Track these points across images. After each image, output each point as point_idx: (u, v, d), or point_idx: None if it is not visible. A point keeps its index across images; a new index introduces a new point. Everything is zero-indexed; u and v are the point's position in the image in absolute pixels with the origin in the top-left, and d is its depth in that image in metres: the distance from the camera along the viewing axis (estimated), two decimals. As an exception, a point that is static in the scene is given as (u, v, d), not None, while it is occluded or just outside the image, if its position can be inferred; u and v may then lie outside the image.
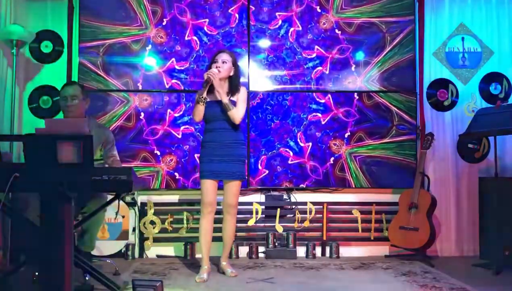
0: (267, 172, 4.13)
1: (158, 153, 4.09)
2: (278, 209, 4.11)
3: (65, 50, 4.13)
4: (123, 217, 3.99)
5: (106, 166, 3.18)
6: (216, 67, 3.23)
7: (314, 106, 4.17)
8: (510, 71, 4.30)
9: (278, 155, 4.15)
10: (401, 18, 4.21)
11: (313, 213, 4.11)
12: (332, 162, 4.15)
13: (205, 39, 4.15)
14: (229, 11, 4.18)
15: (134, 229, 4.04)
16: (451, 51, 4.31)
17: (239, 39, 4.17)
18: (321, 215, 4.12)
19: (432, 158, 4.22)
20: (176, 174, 4.08)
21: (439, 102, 4.27)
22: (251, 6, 4.17)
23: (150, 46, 4.12)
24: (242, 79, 4.08)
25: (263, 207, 4.14)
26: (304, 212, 4.11)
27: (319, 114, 4.17)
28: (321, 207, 4.12)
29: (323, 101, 4.17)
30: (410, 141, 4.18)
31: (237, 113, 3.24)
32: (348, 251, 4.12)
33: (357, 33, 4.20)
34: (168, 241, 4.08)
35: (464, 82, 4.30)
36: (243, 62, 4.10)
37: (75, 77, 4.08)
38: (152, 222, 4.03)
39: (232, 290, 3.01)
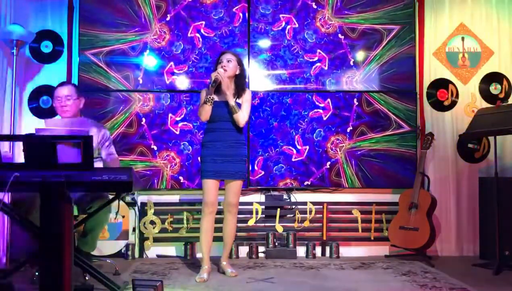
0: (262, 173, 4.13)
1: (155, 148, 4.09)
2: (278, 209, 4.11)
3: (65, 50, 4.13)
4: (123, 217, 3.99)
5: (103, 162, 3.19)
6: (222, 67, 3.24)
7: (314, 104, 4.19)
8: (510, 71, 4.30)
9: (282, 153, 4.15)
10: (403, 24, 4.23)
11: (313, 213, 4.11)
12: (328, 166, 4.15)
13: (207, 34, 4.16)
14: (233, 10, 4.19)
15: (134, 229, 4.04)
16: (451, 51, 4.31)
17: (242, 38, 4.18)
18: (321, 215, 4.12)
19: (432, 158, 4.22)
20: (180, 177, 4.09)
21: (439, 102, 4.27)
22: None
23: (147, 51, 4.12)
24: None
25: (263, 207, 4.14)
26: (304, 212, 4.11)
27: (320, 111, 4.18)
28: (321, 207, 4.12)
29: (322, 105, 4.17)
30: (411, 132, 4.19)
31: (243, 116, 3.28)
32: (348, 251, 4.13)
33: (359, 38, 4.21)
34: (168, 241, 4.08)
35: (464, 82, 4.30)
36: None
37: (75, 77, 4.08)
38: (152, 222, 4.03)
39: (232, 290, 3.01)
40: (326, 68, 4.20)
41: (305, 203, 4.11)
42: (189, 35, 4.15)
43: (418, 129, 4.21)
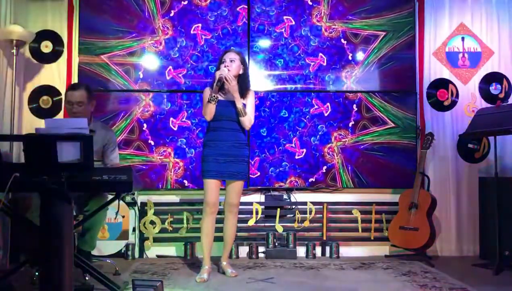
0: (258, 173, 4.13)
1: (152, 143, 4.09)
2: (278, 209, 4.11)
3: (65, 50, 4.13)
4: (123, 217, 3.99)
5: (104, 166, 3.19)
6: (225, 66, 3.23)
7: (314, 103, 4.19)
8: (510, 71, 4.30)
9: (285, 151, 4.15)
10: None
11: (313, 213, 4.11)
12: (324, 171, 4.15)
13: (209, 36, 4.18)
14: (237, 9, 4.20)
15: (134, 229, 4.04)
16: (451, 51, 4.31)
17: (244, 38, 4.19)
18: (321, 215, 4.12)
19: (432, 158, 4.22)
20: (185, 181, 4.09)
21: (439, 102, 4.28)
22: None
23: (145, 57, 4.13)
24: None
25: (263, 207, 4.14)
26: (304, 212, 4.11)
27: (321, 108, 4.19)
28: (321, 207, 4.12)
29: (321, 109, 4.17)
30: (411, 120, 4.20)
31: (249, 120, 3.29)
32: (348, 251, 4.12)
33: (361, 42, 4.22)
34: (168, 241, 4.08)
35: (464, 82, 4.30)
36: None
37: (75, 78, 4.08)
38: (152, 222, 4.03)
39: (232, 290, 3.01)
40: (325, 64, 4.20)
41: (305, 203, 4.11)
42: (192, 32, 4.16)
43: (418, 129, 4.21)
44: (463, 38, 4.32)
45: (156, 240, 4.04)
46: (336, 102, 4.18)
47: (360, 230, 4.14)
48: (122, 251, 3.96)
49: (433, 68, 4.29)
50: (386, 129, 4.18)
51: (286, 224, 4.12)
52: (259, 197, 4.18)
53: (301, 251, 4.05)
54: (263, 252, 4.03)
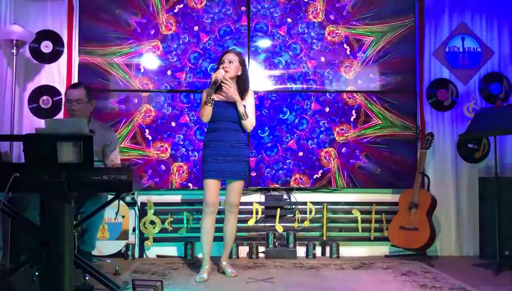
0: (254, 174, 4.13)
1: (150, 137, 4.10)
2: (278, 209, 4.11)
3: (65, 50, 4.13)
4: (123, 217, 3.99)
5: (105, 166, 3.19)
6: (223, 68, 3.24)
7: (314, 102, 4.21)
8: (510, 71, 4.30)
9: (288, 149, 4.15)
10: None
11: (313, 213, 4.11)
12: (319, 175, 4.16)
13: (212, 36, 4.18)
14: (242, 8, 4.20)
15: (134, 229, 4.04)
16: (451, 51, 4.31)
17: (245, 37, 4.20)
18: (321, 215, 4.12)
19: (432, 158, 4.22)
20: (190, 184, 4.10)
21: (439, 102, 4.28)
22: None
23: (143, 62, 4.13)
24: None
25: (263, 207, 4.14)
26: (304, 212, 4.11)
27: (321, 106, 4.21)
28: (321, 207, 4.12)
29: (320, 109, 4.18)
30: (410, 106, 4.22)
31: (251, 122, 3.31)
32: (348, 251, 4.12)
33: (361, 46, 4.22)
34: (168, 241, 4.08)
35: (464, 82, 4.30)
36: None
37: (75, 78, 4.08)
38: (152, 222, 4.03)
39: (232, 290, 3.01)
40: (323, 60, 4.21)
41: (305, 203, 4.11)
42: (195, 29, 4.16)
43: (418, 129, 4.21)
44: (463, 38, 4.32)
45: (156, 240, 4.04)
46: (336, 107, 4.18)
47: (360, 230, 4.14)
48: (122, 251, 3.96)
49: (433, 68, 4.30)
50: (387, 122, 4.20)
51: (286, 224, 4.11)
52: (259, 197, 4.18)
53: (301, 251, 4.05)
54: (263, 252, 4.03)
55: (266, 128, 4.16)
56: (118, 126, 4.06)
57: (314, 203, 4.11)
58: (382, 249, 4.16)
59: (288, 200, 4.17)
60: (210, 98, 3.19)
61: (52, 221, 2.21)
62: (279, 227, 4.09)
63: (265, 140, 4.15)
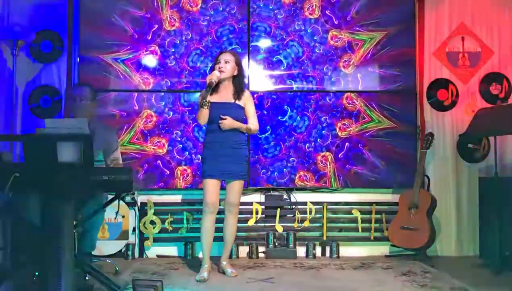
0: (261, 174, 4.14)
1: (136, 107, 4.10)
2: (278, 209, 4.11)
3: (65, 50, 4.13)
4: (123, 217, 3.99)
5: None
6: (219, 68, 3.24)
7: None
8: (510, 71, 4.30)
9: (291, 147, 4.14)
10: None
11: (313, 213, 4.11)
12: (314, 181, 4.16)
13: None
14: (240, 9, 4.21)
15: (134, 229, 4.04)
16: (451, 51, 4.31)
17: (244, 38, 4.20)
18: (321, 215, 4.12)
19: (432, 158, 4.22)
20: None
21: (439, 102, 4.27)
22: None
23: (141, 69, 4.13)
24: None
25: (263, 207, 4.14)
26: (304, 212, 4.11)
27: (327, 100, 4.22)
28: (321, 207, 4.12)
29: (322, 117, 4.17)
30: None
31: (255, 128, 3.36)
32: (348, 251, 4.12)
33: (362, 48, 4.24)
34: (168, 241, 4.08)
35: (464, 82, 4.30)
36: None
37: (75, 78, 4.08)
38: (152, 222, 4.03)
39: (232, 290, 3.01)
40: (321, 51, 4.21)
41: (305, 203, 4.11)
42: (200, 23, 4.17)
43: (418, 129, 4.20)
44: (463, 38, 4.32)
45: (156, 240, 4.04)
46: (335, 111, 4.18)
47: (360, 230, 4.14)
48: (122, 251, 3.96)
49: (433, 68, 4.29)
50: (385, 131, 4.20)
51: (286, 224, 4.11)
52: (259, 197, 4.18)
53: (301, 251, 4.05)
54: (263, 252, 4.03)
55: (268, 127, 4.15)
56: (120, 133, 4.04)
57: (314, 203, 4.11)
58: (382, 249, 4.16)
59: (288, 200, 4.17)
60: (205, 101, 3.19)
61: (52, 221, 2.21)
62: (279, 227, 4.09)
63: (269, 139, 4.14)
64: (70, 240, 2.25)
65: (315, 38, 4.20)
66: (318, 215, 4.12)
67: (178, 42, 4.15)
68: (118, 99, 4.10)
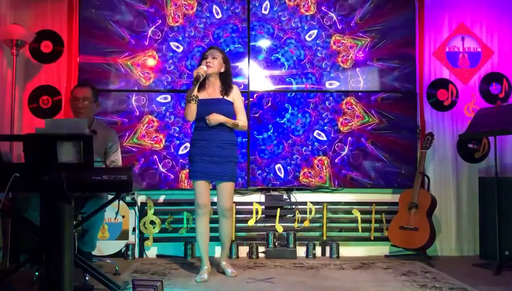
0: (264, 174, 4.14)
1: (137, 113, 4.11)
2: (278, 209, 4.11)
3: (65, 50, 4.13)
4: (123, 217, 3.99)
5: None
6: (206, 63, 3.21)
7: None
8: (510, 71, 4.30)
9: (294, 145, 4.14)
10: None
11: (313, 213, 4.11)
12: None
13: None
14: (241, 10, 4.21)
15: (134, 229, 4.04)
16: (451, 51, 4.31)
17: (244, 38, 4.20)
18: (321, 215, 4.12)
19: (432, 158, 4.22)
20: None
21: (439, 102, 4.28)
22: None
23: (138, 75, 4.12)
24: (241, 80, 4.12)
25: (263, 207, 4.14)
26: (304, 212, 4.11)
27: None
28: (321, 207, 4.12)
29: (322, 124, 4.18)
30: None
31: (243, 125, 3.31)
32: (348, 251, 4.12)
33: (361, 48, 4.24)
34: (168, 241, 4.08)
35: (464, 82, 4.30)
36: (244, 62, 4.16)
37: (75, 78, 4.08)
38: (152, 222, 4.03)
39: (232, 290, 3.01)
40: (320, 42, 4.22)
41: (305, 203, 4.11)
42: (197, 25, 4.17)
43: (418, 129, 4.20)
44: (463, 38, 4.32)
45: (156, 240, 4.04)
46: (335, 115, 4.18)
47: (360, 230, 4.14)
48: (122, 251, 3.96)
49: (433, 68, 4.30)
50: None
51: (286, 224, 4.11)
52: (259, 197, 4.18)
53: (301, 251, 4.05)
54: (263, 252, 4.03)
55: (270, 125, 4.15)
56: (122, 140, 4.03)
57: (314, 203, 4.11)
58: (382, 249, 4.16)
59: (288, 200, 4.17)
60: (193, 95, 3.15)
61: (52, 221, 2.21)
62: (279, 227, 4.09)
63: (272, 138, 4.15)
64: (70, 240, 2.25)
65: (317, 42, 4.20)
66: (318, 215, 4.12)
67: (181, 38, 4.14)
68: (118, 107, 4.08)
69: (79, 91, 3.21)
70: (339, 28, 4.21)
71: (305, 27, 4.20)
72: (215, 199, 3.39)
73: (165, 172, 4.08)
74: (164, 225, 4.04)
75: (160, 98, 4.13)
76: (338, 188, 4.19)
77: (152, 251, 4.05)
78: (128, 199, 4.00)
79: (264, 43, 4.19)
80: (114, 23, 4.10)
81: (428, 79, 4.28)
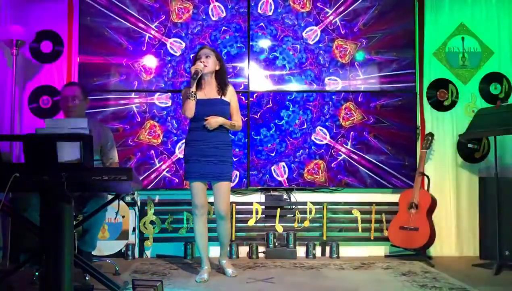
0: (286, 171, 4.14)
1: (139, 119, 4.09)
2: (278, 209, 4.11)
3: (65, 50, 4.13)
4: (123, 217, 3.99)
5: (103, 165, 3.19)
6: (201, 62, 3.21)
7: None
8: (510, 71, 4.30)
9: (300, 141, 4.14)
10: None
11: (313, 213, 4.11)
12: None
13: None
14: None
15: (134, 229, 4.04)
16: (451, 51, 4.31)
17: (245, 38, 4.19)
18: (321, 215, 4.12)
19: (432, 158, 4.22)
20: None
21: (439, 102, 4.28)
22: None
23: (136, 83, 4.11)
24: (242, 80, 4.12)
25: (263, 207, 4.14)
26: (304, 212, 4.11)
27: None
28: (321, 207, 4.12)
29: (322, 133, 4.18)
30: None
31: (239, 125, 3.34)
32: (348, 251, 4.12)
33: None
34: (168, 241, 4.08)
35: (464, 82, 4.30)
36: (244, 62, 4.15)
37: (75, 78, 4.08)
38: (152, 222, 4.03)
39: (232, 290, 3.01)
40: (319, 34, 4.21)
41: (305, 203, 4.11)
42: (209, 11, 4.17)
43: (418, 129, 4.20)
44: (463, 38, 4.32)
45: (156, 240, 4.04)
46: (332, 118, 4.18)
47: (360, 230, 4.14)
48: (122, 251, 3.96)
49: (433, 68, 4.29)
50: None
51: (286, 224, 4.11)
52: (259, 197, 4.18)
53: (301, 251, 4.05)
54: (263, 252, 4.03)
55: (272, 124, 4.14)
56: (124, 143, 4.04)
57: (314, 203, 4.11)
58: (382, 249, 4.16)
59: (288, 200, 4.17)
60: (192, 92, 3.14)
61: (52, 221, 2.21)
62: (279, 227, 4.09)
63: (274, 137, 4.14)
64: (70, 240, 2.25)
65: (320, 45, 4.19)
66: (318, 215, 4.12)
67: (183, 35, 4.13)
68: (119, 113, 4.08)
69: (68, 90, 3.22)
70: (342, 33, 4.20)
71: (302, 24, 4.19)
72: (211, 199, 3.39)
73: (170, 177, 4.08)
74: (164, 225, 4.04)
75: (160, 103, 4.11)
76: (338, 188, 4.19)
77: (152, 251, 4.05)
78: (128, 199, 4.00)
79: (265, 43, 4.19)
80: (112, 29, 4.10)
81: (428, 79, 4.28)
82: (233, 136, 3.98)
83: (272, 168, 4.13)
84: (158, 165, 4.07)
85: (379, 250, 4.16)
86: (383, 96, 4.17)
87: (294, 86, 4.17)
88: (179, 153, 4.07)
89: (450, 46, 4.31)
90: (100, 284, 2.74)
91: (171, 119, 4.11)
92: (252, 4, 4.16)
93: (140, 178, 3.97)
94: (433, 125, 4.24)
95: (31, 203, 2.88)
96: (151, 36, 4.11)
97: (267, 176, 4.12)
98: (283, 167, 4.13)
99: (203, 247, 3.30)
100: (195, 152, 3.22)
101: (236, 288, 3.05)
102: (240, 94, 4.04)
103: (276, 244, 4.01)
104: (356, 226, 4.15)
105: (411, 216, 3.86)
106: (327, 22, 4.20)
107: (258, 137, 4.13)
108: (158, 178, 4.07)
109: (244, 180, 4.09)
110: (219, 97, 3.25)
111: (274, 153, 4.12)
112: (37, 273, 2.97)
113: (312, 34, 4.19)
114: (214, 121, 3.18)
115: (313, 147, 4.15)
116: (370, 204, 4.15)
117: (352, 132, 4.16)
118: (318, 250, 4.08)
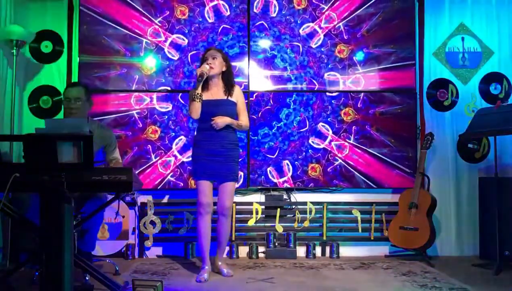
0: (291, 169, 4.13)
1: (140, 125, 4.09)
2: (278, 209, 4.11)
3: (65, 50, 4.13)
4: (123, 217, 3.99)
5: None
6: (208, 64, 3.22)
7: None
8: (510, 71, 4.30)
9: (301, 139, 4.15)
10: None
11: (313, 213, 4.11)
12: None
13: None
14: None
15: (134, 229, 4.04)
16: (451, 51, 4.31)
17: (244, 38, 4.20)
18: (321, 215, 4.12)
19: (432, 158, 4.22)
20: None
21: (439, 102, 4.28)
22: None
23: (137, 78, 4.11)
24: (242, 80, 4.12)
25: (263, 207, 4.14)
26: (304, 212, 4.11)
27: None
28: (321, 207, 4.12)
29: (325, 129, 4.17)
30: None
31: (246, 125, 3.35)
32: (348, 251, 4.12)
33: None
34: (168, 241, 4.08)
35: (464, 82, 4.30)
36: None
37: (75, 77, 4.08)
38: (152, 222, 4.03)
39: (232, 290, 3.01)
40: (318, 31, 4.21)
41: (305, 203, 4.11)
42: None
43: (418, 129, 4.20)
44: (463, 38, 4.32)
45: (156, 240, 4.04)
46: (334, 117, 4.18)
47: (360, 230, 4.14)
48: (122, 251, 3.96)
49: (433, 68, 4.29)
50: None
51: (286, 224, 4.11)
52: (259, 197, 4.18)
53: (301, 251, 4.05)
54: (263, 252, 4.03)
55: (274, 122, 4.14)
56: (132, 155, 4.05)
57: (314, 203, 4.11)
58: (382, 249, 4.16)
59: (288, 200, 4.17)
60: (198, 94, 3.16)
61: (52, 221, 2.21)
62: (279, 227, 4.09)
63: (276, 135, 4.15)
64: (70, 240, 2.25)
65: (322, 49, 4.19)
66: (318, 215, 4.12)
67: (187, 31, 4.13)
68: (120, 120, 4.08)
69: (71, 92, 3.17)
70: (345, 38, 4.19)
71: (298, 21, 4.19)
72: (214, 199, 3.39)
73: (174, 181, 4.08)
74: (164, 225, 4.04)
75: (161, 108, 4.11)
76: (338, 188, 4.19)
77: (152, 251, 4.05)
78: (128, 199, 4.00)
79: (265, 43, 4.19)
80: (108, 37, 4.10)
81: (428, 79, 4.28)
82: (243, 136, 4.00)
83: (285, 162, 4.13)
84: (161, 170, 4.08)
85: (379, 250, 4.16)
86: (383, 98, 4.18)
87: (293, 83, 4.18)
88: (183, 156, 4.08)
89: (450, 46, 4.31)
90: (100, 284, 2.74)
91: (172, 123, 4.11)
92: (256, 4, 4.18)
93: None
94: (433, 125, 4.24)
95: (31, 203, 2.88)
96: (154, 30, 4.11)
97: (296, 162, 4.13)
98: (287, 164, 4.13)
99: (205, 246, 3.30)
100: (203, 151, 3.25)
101: (236, 288, 3.05)
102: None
103: (276, 244, 4.01)
104: (356, 226, 4.15)
105: (411, 216, 3.86)
106: (331, 26, 4.20)
107: (256, 137, 4.13)
108: (163, 182, 4.07)
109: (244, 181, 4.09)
110: (225, 97, 3.27)
111: (277, 152, 4.13)
112: (37, 273, 2.97)
113: (315, 38, 4.19)
114: (221, 121, 3.20)
115: (329, 119, 4.16)
116: (370, 204, 4.15)
117: (354, 127, 4.17)
118: (318, 250, 4.08)
